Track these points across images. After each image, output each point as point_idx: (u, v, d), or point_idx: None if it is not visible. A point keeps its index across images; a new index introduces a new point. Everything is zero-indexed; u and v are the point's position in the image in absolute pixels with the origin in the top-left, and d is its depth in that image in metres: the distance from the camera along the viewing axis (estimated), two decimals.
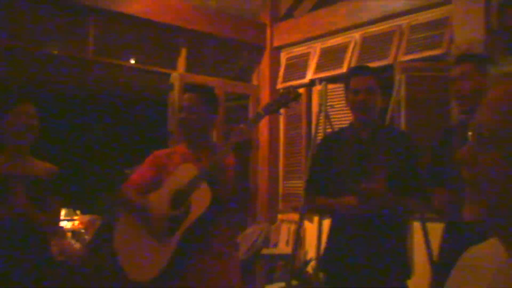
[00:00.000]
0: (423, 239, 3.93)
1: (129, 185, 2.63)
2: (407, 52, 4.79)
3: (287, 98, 2.46)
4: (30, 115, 2.64)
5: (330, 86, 4.97)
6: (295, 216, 5.29)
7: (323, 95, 4.72)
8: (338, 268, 2.53)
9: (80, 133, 8.72)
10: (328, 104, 4.76)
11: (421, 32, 4.74)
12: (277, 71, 6.10)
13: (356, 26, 5.31)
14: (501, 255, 0.84)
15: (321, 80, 5.40)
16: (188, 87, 2.93)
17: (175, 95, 5.43)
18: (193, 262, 2.44)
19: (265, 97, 6.01)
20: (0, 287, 2.46)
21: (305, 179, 3.08)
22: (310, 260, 5.15)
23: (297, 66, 5.87)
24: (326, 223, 2.97)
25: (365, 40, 5.24)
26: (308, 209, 4.60)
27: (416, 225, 4.06)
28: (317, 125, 4.77)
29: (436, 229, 2.99)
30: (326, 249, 2.67)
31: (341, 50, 5.43)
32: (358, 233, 2.45)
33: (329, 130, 4.49)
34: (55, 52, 5.86)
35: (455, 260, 0.97)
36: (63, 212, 5.34)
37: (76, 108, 8.63)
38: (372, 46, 5.13)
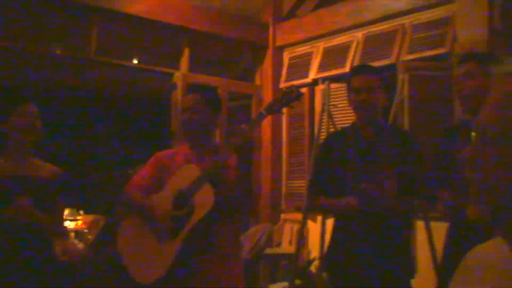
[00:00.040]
0: (427, 239, 3.92)
1: (132, 186, 2.63)
2: (410, 52, 4.78)
3: (289, 97, 2.45)
4: (33, 115, 2.64)
5: (333, 85, 4.96)
6: (298, 216, 5.29)
7: (326, 95, 4.71)
8: (342, 268, 2.53)
9: (83, 133, 8.73)
10: (331, 103, 4.75)
11: (424, 31, 4.73)
12: (280, 71, 6.09)
13: (358, 26, 5.31)
14: (505, 255, 0.84)
15: (324, 79, 5.41)
16: (191, 89, 2.93)
17: (178, 95, 5.42)
18: (196, 262, 2.44)
19: (268, 96, 6.00)
20: (4, 287, 2.46)
21: (308, 178, 3.07)
22: (313, 260, 5.15)
23: (300, 66, 5.86)
24: (330, 222, 2.97)
25: (367, 39, 5.23)
26: (311, 209, 4.60)
27: (420, 225, 4.05)
28: (320, 124, 4.76)
29: (440, 228, 2.97)
30: (329, 248, 2.67)
31: (343, 49, 5.43)
32: (361, 233, 2.45)
33: (332, 129, 4.48)
34: (58, 52, 5.88)
35: (459, 260, 0.97)
36: (66, 212, 5.35)
37: (79, 108, 8.64)
38: (375, 45, 5.12)
